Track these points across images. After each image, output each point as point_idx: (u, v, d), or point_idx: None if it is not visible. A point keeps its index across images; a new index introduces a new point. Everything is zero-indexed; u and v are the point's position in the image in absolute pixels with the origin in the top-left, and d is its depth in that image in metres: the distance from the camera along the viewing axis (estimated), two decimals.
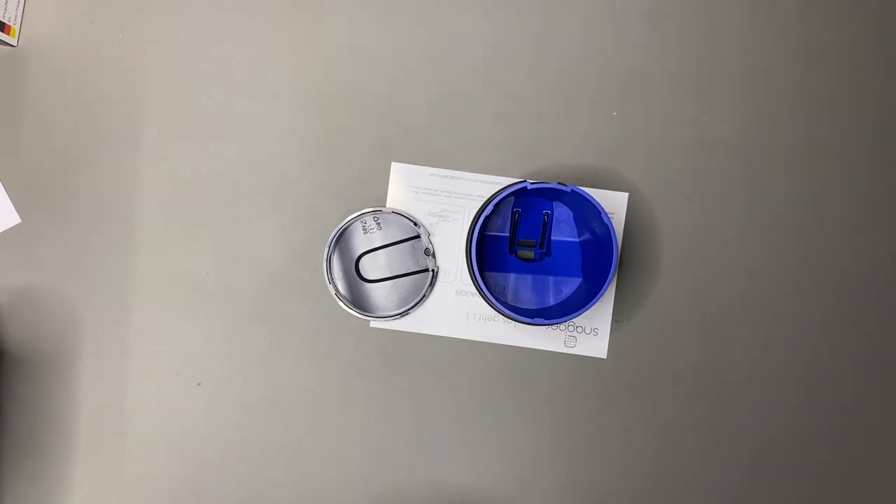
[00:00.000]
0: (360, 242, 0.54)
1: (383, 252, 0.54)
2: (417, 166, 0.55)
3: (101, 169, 0.55)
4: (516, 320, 0.50)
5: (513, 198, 0.53)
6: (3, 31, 0.53)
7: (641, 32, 0.55)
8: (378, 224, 0.54)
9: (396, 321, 0.54)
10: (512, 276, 0.54)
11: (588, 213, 0.51)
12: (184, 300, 0.55)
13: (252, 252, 0.55)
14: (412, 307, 0.54)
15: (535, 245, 0.54)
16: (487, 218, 0.50)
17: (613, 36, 0.55)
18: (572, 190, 0.49)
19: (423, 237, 0.54)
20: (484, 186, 0.55)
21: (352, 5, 0.55)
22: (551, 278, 0.54)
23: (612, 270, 0.49)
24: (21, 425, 0.54)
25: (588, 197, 0.49)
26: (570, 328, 0.54)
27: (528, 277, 0.54)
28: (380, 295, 0.54)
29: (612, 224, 0.48)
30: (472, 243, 0.49)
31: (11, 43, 0.54)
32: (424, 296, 0.54)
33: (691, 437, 0.54)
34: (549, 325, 0.52)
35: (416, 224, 0.54)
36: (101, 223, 0.55)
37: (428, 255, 0.54)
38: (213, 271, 0.55)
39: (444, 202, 0.55)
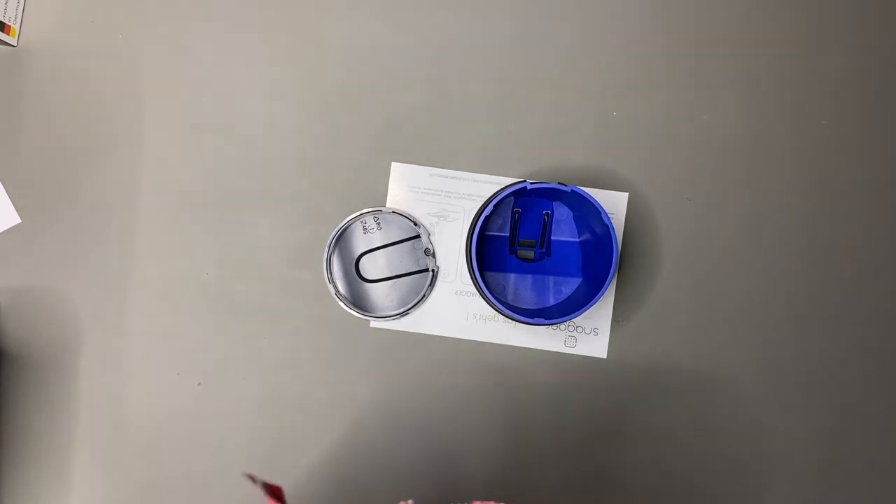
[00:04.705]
0: (360, 242, 0.54)
1: (383, 252, 0.54)
2: (417, 166, 0.55)
3: (101, 169, 0.55)
4: (516, 320, 0.50)
5: (513, 198, 0.53)
6: (3, 31, 0.53)
7: (642, 32, 0.55)
8: (378, 224, 0.54)
9: (396, 321, 0.54)
10: (512, 276, 0.54)
11: (588, 212, 0.51)
12: (184, 300, 0.55)
13: (252, 252, 0.55)
14: (412, 307, 0.54)
15: (535, 245, 0.54)
16: (487, 218, 0.50)
17: (614, 36, 0.55)
18: (572, 190, 0.49)
19: (423, 237, 0.54)
20: (484, 186, 0.55)
21: (352, 5, 0.55)
22: (551, 278, 0.54)
23: (612, 270, 0.49)
24: (21, 425, 0.54)
25: (588, 197, 0.49)
26: (570, 328, 0.54)
27: (528, 277, 0.54)
28: (380, 295, 0.54)
29: (612, 224, 0.48)
30: (472, 243, 0.49)
31: (11, 43, 0.54)
32: (424, 296, 0.54)
33: (691, 437, 0.54)
34: (549, 325, 0.52)
35: (416, 224, 0.54)
36: (101, 223, 0.55)
37: (428, 255, 0.54)
38: (213, 271, 0.55)
39: (444, 202, 0.55)
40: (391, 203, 0.55)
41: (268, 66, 0.55)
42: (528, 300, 0.54)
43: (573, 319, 0.53)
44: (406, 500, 0.34)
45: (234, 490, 0.54)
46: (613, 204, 0.55)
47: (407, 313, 0.54)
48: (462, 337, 0.55)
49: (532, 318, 0.49)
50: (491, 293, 0.49)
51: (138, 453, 0.54)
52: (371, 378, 0.55)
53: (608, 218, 0.48)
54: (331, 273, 0.54)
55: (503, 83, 0.55)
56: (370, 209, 0.54)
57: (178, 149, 0.55)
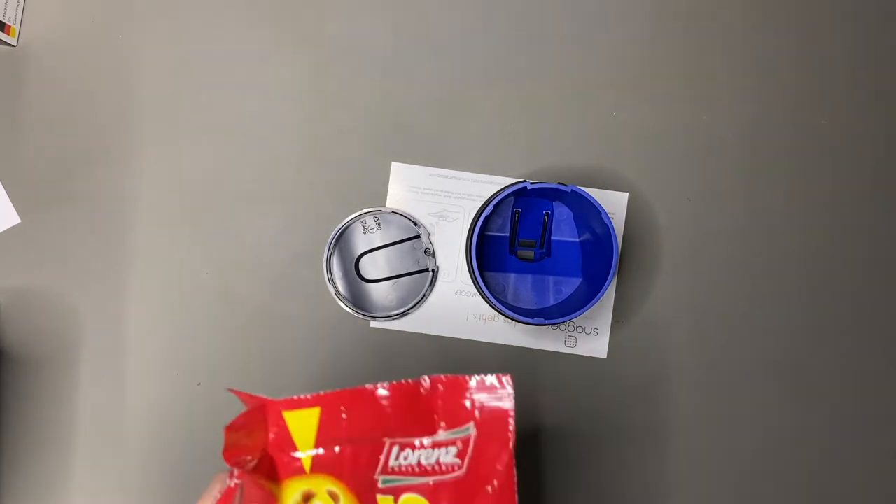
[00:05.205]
0: (360, 242, 0.54)
1: (383, 252, 0.54)
2: (417, 166, 0.55)
3: (101, 169, 0.55)
4: (516, 320, 0.50)
5: (513, 198, 0.53)
6: (2, 31, 0.53)
7: (642, 32, 0.55)
8: (378, 224, 0.54)
9: (396, 321, 0.54)
10: (512, 276, 0.54)
11: (588, 213, 0.51)
12: (183, 300, 0.54)
13: (252, 252, 0.55)
14: (412, 307, 0.54)
15: (535, 245, 0.54)
16: (487, 218, 0.50)
17: (614, 36, 0.55)
18: (572, 190, 0.49)
19: (423, 237, 0.54)
20: (484, 186, 0.55)
21: (352, 5, 0.55)
22: (551, 278, 0.54)
23: (612, 270, 0.48)
24: (20, 425, 0.54)
25: (588, 197, 0.49)
26: (570, 328, 0.54)
27: (528, 277, 0.54)
28: (380, 295, 0.54)
29: (612, 224, 0.48)
30: (472, 243, 0.49)
31: (11, 43, 0.54)
32: (424, 296, 0.54)
33: (691, 437, 0.54)
34: (549, 325, 0.52)
35: (416, 224, 0.54)
36: (101, 223, 0.55)
37: (428, 255, 0.54)
38: (212, 271, 0.55)
39: (444, 202, 0.55)
40: (391, 203, 0.55)
41: (268, 65, 0.55)
42: (528, 300, 0.54)
43: (573, 319, 0.53)
44: None
45: None
46: (614, 204, 0.55)
47: (407, 313, 0.54)
48: (462, 337, 0.55)
49: (532, 318, 0.49)
50: (491, 293, 0.49)
51: (138, 453, 0.54)
52: (371, 378, 0.54)
53: (608, 218, 0.48)
54: (331, 273, 0.54)
55: (503, 83, 0.55)
56: (370, 209, 0.54)
57: (178, 149, 0.55)
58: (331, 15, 0.55)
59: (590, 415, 0.54)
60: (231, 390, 0.36)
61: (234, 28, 0.55)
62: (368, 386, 0.35)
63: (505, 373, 0.35)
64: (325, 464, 0.35)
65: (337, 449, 0.35)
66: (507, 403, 0.36)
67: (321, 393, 0.35)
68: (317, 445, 0.35)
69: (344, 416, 0.35)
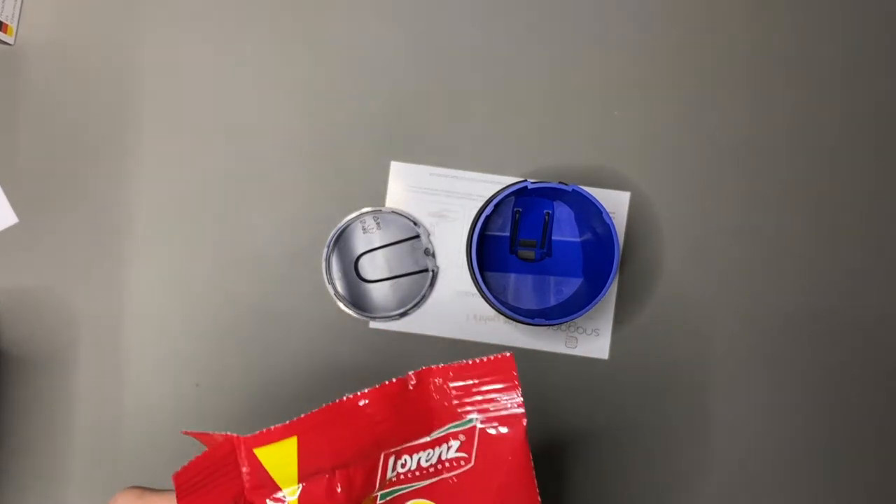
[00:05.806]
0: (359, 242, 0.54)
1: (383, 252, 0.54)
2: (417, 166, 0.55)
3: (100, 169, 0.55)
4: (517, 321, 0.50)
5: (513, 197, 0.53)
6: (0, 30, 0.53)
7: (643, 32, 0.55)
8: (377, 224, 0.54)
9: (396, 322, 0.54)
10: (512, 276, 0.54)
11: (589, 212, 0.50)
12: (182, 300, 0.54)
13: (251, 252, 0.54)
14: (412, 307, 0.54)
15: (535, 245, 0.54)
16: (488, 218, 0.50)
17: (615, 35, 0.55)
18: (573, 189, 0.49)
19: (423, 237, 0.54)
20: (484, 186, 0.54)
21: (352, 5, 0.55)
22: (552, 278, 0.54)
23: (613, 270, 0.48)
24: (19, 426, 0.54)
25: (589, 196, 0.48)
26: (571, 329, 0.54)
27: (529, 277, 0.54)
28: (379, 295, 0.54)
29: (613, 224, 0.48)
30: (473, 243, 0.49)
31: (8, 41, 0.54)
32: (424, 296, 0.54)
33: (693, 437, 0.54)
34: (549, 325, 0.52)
35: (415, 224, 0.54)
36: (100, 223, 0.54)
37: (428, 255, 0.54)
38: (211, 271, 0.54)
39: (444, 202, 0.54)
40: (391, 203, 0.54)
41: (268, 65, 0.55)
42: (529, 300, 0.54)
43: (574, 320, 0.53)
44: None
45: None
46: (615, 203, 0.54)
47: (407, 314, 0.54)
48: (462, 337, 0.54)
49: (532, 318, 0.49)
50: (491, 293, 0.49)
51: (136, 454, 0.54)
52: (370, 379, 0.54)
53: (609, 218, 0.48)
54: (330, 273, 0.54)
55: (504, 82, 0.55)
56: (369, 209, 0.54)
57: (177, 148, 0.55)
58: (331, 15, 0.55)
59: (591, 416, 0.54)
60: (186, 432, 0.32)
61: (234, 28, 0.55)
62: (348, 397, 0.31)
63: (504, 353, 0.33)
64: (315, 501, 0.30)
65: (326, 479, 0.30)
66: (513, 382, 0.32)
67: (294, 420, 0.30)
68: (301, 480, 0.30)
69: (326, 438, 0.31)
